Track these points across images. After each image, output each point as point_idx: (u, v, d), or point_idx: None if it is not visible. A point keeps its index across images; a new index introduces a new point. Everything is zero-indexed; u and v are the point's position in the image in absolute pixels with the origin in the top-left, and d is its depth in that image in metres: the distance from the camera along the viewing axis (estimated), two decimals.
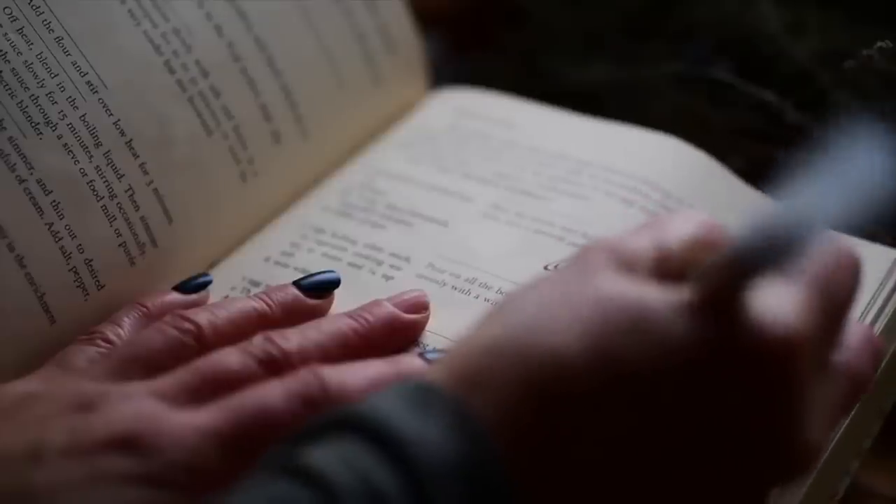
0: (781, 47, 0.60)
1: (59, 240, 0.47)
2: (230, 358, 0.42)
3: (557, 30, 0.67)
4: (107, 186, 0.49)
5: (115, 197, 0.49)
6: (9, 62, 0.47)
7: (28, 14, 0.48)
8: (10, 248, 0.46)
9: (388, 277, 0.51)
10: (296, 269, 0.51)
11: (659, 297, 0.35)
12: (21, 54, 0.48)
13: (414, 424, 0.34)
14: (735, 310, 0.35)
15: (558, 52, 0.66)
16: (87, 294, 0.48)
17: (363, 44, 0.59)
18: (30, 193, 0.47)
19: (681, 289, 0.36)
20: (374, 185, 0.56)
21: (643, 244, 0.38)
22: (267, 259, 0.53)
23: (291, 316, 0.47)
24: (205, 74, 0.52)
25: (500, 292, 0.49)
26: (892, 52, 0.55)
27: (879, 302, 0.49)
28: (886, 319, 0.49)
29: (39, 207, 0.47)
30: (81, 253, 0.48)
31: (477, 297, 0.49)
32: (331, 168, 0.57)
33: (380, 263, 0.51)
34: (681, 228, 0.39)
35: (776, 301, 0.35)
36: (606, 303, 0.36)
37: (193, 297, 0.49)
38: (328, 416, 0.35)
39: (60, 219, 0.47)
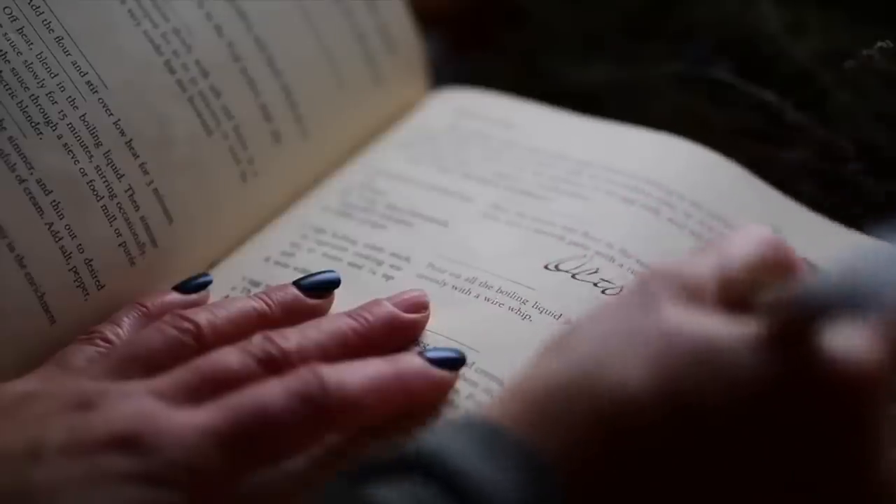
0: (781, 47, 0.60)
1: (59, 240, 0.47)
2: (229, 357, 0.42)
3: (557, 30, 0.66)
4: (107, 186, 0.49)
5: (115, 197, 0.49)
6: (9, 62, 0.47)
7: (28, 14, 0.48)
8: (11, 247, 0.46)
9: (388, 277, 0.51)
10: (296, 269, 0.51)
11: (725, 331, 0.35)
12: (21, 54, 0.48)
13: (486, 471, 0.34)
14: (806, 345, 0.34)
15: (558, 52, 0.66)
16: (87, 294, 0.48)
17: (363, 44, 0.59)
18: (30, 193, 0.47)
19: (748, 320, 0.36)
20: (375, 185, 0.56)
21: (706, 270, 0.38)
22: (267, 259, 0.53)
23: (291, 316, 0.46)
24: (205, 74, 0.52)
25: (501, 291, 0.49)
26: (892, 52, 0.55)
27: None
28: None
29: (39, 207, 0.47)
30: (81, 253, 0.48)
31: (477, 297, 0.49)
32: (331, 168, 0.57)
33: (380, 263, 0.51)
34: (743, 249, 0.39)
35: (847, 337, 0.34)
36: (672, 338, 0.35)
37: (193, 297, 0.49)
38: (394, 453, 0.35)
39: (60, 219, 0.47)
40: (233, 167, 0.53)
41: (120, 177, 0.49)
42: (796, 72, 0.59)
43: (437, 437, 0.35)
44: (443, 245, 0.52)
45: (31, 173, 0.47)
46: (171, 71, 0.51)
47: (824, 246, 0.52)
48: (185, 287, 0.49)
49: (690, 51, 0.62)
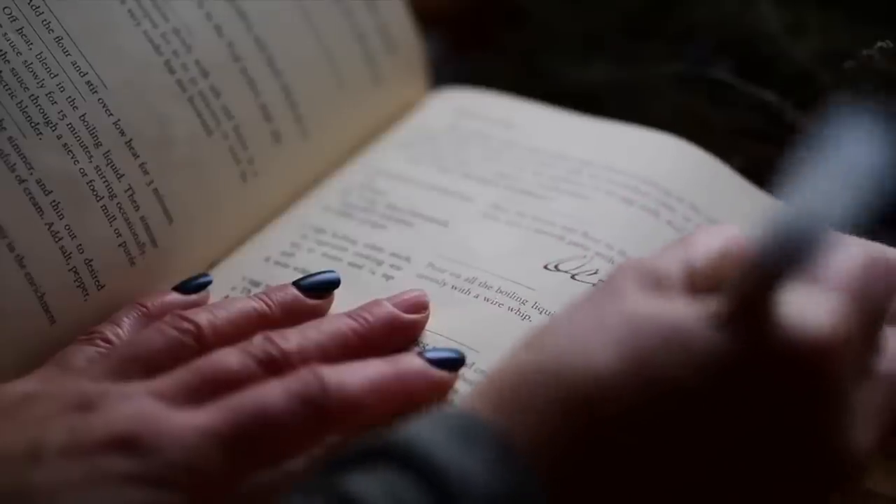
0: (781, 47, 0.60)
1: (59, 240, 0.47)
2: (230, 358, 0.42)
3: (557, 30, 0.66)
4: (106, 186, 0.49)
5: (115, 197, 0.49)
6: (8, 62, 0.47)
7: (28, 14, 0.48)
8: (10, 248, 0.46)
9: (388, 277, 0.51)
10: (296, 269, 0.51)
11: (689, 312, 0.36)
12: (21, 54, 0.48)
13: (458, 458, 0.34)
14: (765, 317, 0.35)
15: (558, 52, 0.66)
16: (87, 294, 0.48)
17: (363, 44, 0.59)
18: (29, 193, 0.47)
19: (710, 301, 0.36)
20: (375, 185, 0.56)
21: (671, 262, 0.39)
22: (267, 259, 0.52)
23: (291, 316, 0.46)
24: (205, 74, 0.52)
25: (501, 292, 0.49)
26: (892, 52, 0.54)
27: None
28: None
29: (39, 207, 0.47)
30: (81, 253, 0.48)
31: (477, 297, 0.49)
32: (331, 168, 0.57)
33: (380, 263, 0.51)
34: (708, 244, 0.40)
35: (808, 307, 0.35)
36: (638, 321, 0.36)
37: (193, 297, 0.49)
38: (369, 443, 0.35)
39: (60, 219, 0.47)
40: (233, 167, 0.53)
41: (120, 177, 0.49)
42: (796, 72, 0.59)
43: (412, 426, 0.36)
44: (443, 245, 0.52)
45: (31, 173, 0.47)
46: (171, 71, 0.51)
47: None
48: (185, 287, 0.49)
49: (690, 51, 0.62)
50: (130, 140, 0.49)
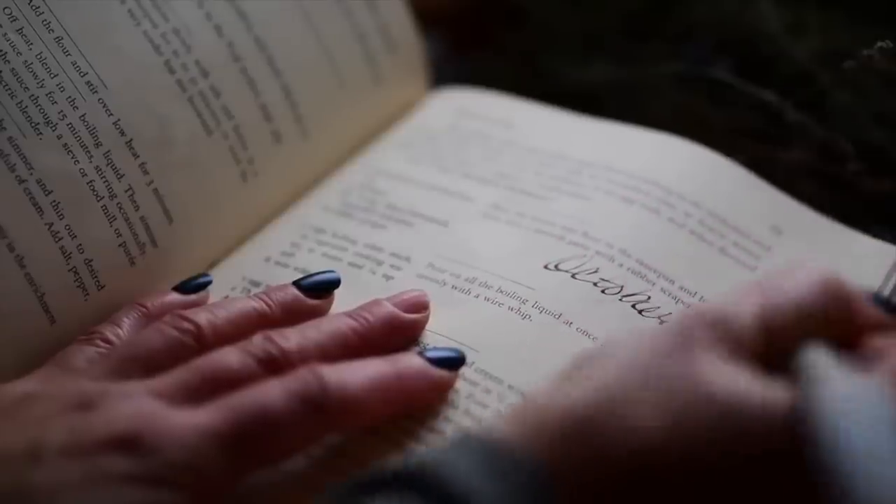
0: (781, 47, 0.60)
1: (59, 240, 0.47)
2: (229, 357, 0.42)
3: (557, 30, 0.66)
4: (107, 186, 0.49)
5: (115, 197, 0.49)
6: (8, 62, 0.47)
7: (28, 14, 0.48)
8: (10, 248, 0.46)
9: (388, 277, 0.51)
10: (296, 268, 0.51)
11: (758, 398, 0.34)
12: (21, 54, 0.48)
13: (487, 491, 0.33)
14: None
15: (558, 52, 0.66)
16: (87, 294, 0.48)
17: (363, 44, 0.59)
18: (29, 193, 0.47)
19: (784, 385, 0.35)
20: (375, 185, 0.56)
21: (749, 317, 0.36)
22: (267, 259, 0.52)
23: (291, 316, 0.46)
24: (205, 74, 0.52)
25: (501, 291, 0.49)
26: (892, 52, 0.54)
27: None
28: None
29: (39, 207, 0.47)
30: (81, 253, 0.48)
31: (477, 297, 0.49)
32: (331, 168, 0.57)
33: (380, 263, 0.51)
34: (796, 292, 0.37)
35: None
36: (703, 396, 0.34)
37: (193, 297, 0.49)
38: (393, 468, 0.35)
39: (60, 219, 0.47)
40: (233, 167, 0.53)
41: (120, 177, 0.49)
42: (796, 72, 0.59)
43: (437, 452, 0.35)
44: (443, 245, 0.52)
45: (31, 173, 0.47)
46: (171, 71, 0.51)
47: (825, 246, 0.52)
48: (184, 287, 0.49)
49: (690, 51, 0.62)
50: (130, 140, 0.49)
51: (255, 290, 0.51)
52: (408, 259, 0.51)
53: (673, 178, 0.54)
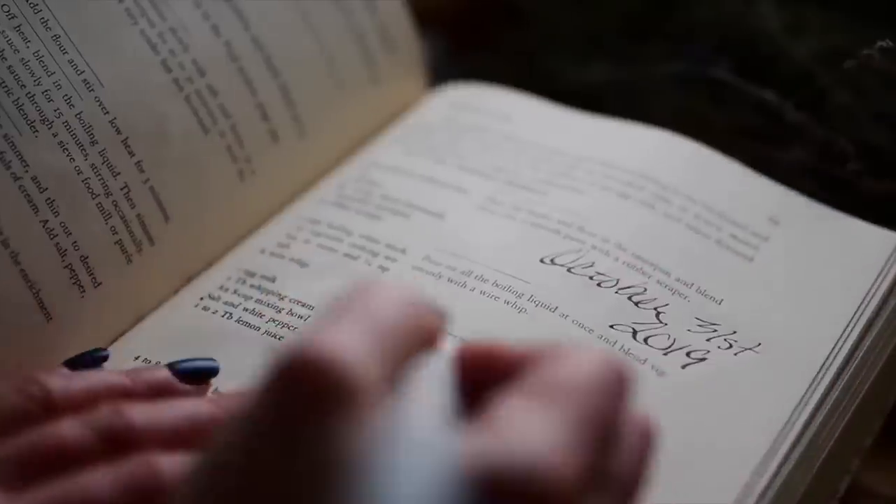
0: (781, 47, 0.60)
1: (55, 237, 0.47)
2: (67, 431, 0.38)
3: (557, 30, 0.67)
4: (102, 184, 0.49)
5: (111, 194, 0.49)
6: (5, 59, 0.47)
7: (26, 12, 0.48)
8: (5, 244, 0.46)
9: (383, 269, 0.50)
10: (291, 259, 0.51)
11: None
12: (18, 52, 0.48)
13: None
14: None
15: (558, 52, 0.66)
16: (84, 291, 0.48)
17: (362, 43, 0.59)
18: (25, 191, 0.46)
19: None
20: (370, 177, 0.56)
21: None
22: (262, 251, 0.52)
23: (157, 398, 0.42)
24: (201, 73, 0.52)
25: (497, 285, 0.49)
26: (892, 52, 0.54)
27: (882, 290, 0.49)
28: (889, 311, 0.49)
29: (34, 205, 0.47)
30: (77, 250, 0.48)
31: (473, 290, 0.49)
32: (328, 168, 0.57)
33: (375, 255, 0.51)
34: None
35: (529, 443, 0.29)
36: None
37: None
38: None
39: (56, 216, 0.47)
40: (230, 165, 0.53)
41: (116, 174, 0.49)
42: (796, 72, 0.59)
43: None
44: (439, 237, 0.52)
45: (27, 171, 0.47)
46: (168, 69, 0.51)
47: (824, 235, 0.52)
48: (76, 363, 0.46)
49: (690, 51, 0.62)
50: (127, 138, 0.49)
51: (250, 282, 0.50)
52: (403, 251, 0.51)
53: (669, 173, 0.54)
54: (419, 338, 0.33)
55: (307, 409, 0.29)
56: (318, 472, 0.28)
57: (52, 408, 0.40)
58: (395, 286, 0.33)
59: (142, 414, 0.39)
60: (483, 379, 0.33)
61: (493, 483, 0.28)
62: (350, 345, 0.30)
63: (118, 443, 0.38)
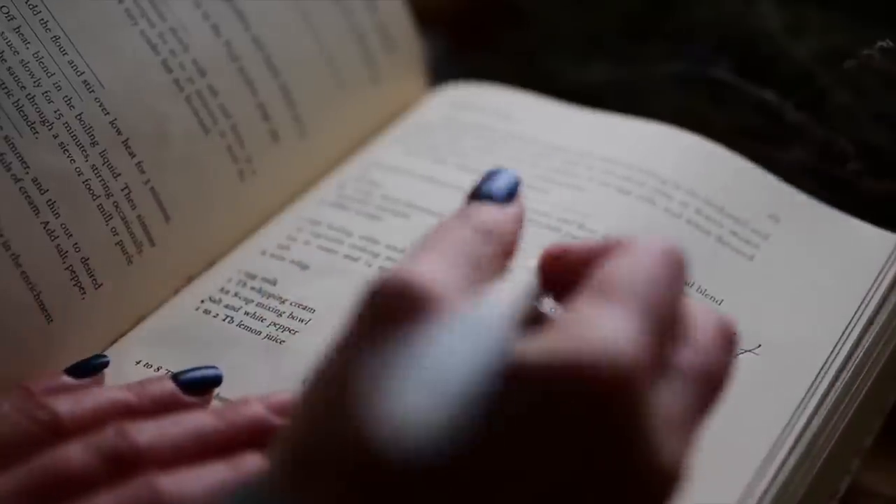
0: (781, 47, 0.60)
1: (55, 238, 0.47)
2: (72, 456, 0.39)
3: (557, 30, 0.67)
4: (103, 185, 0.49)
5: (112, 196, 0.49)
6: (5, 61, 0.47)
7: (25, 13, 0.48)
8: (6, 246, 0.46)
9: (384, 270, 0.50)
10: (292, 261, 0.51)
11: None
12: (18, 53, 0.48)
13: None
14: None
15: (558, 52, 0.66)
16: (85, 293, 0.48)
17: (362, 43, 0.59)
18: (25, 192, 0.46)
19: None
20: (370, 177, 0.56)
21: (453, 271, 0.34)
22: (263, 252, 0.52)
23: (162, 411, 0.43)
24: (202, 73, 0.52)
25: None
26: (892, 52, 0.54)
27: (882, 289, 0.49)
28: (888, 311, 0.49)
29: (35, 206, 0.47)
30: (78, 252, 0.48)
31: None
32: (329, 167, 0.57)
33: (376, 256, 0.51)
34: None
35: (601, 333, 0.32)
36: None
37: (87, 381, 0.46)
38: None
39: (56, 217, 0.47)
40: (230, 166, 0.53)
41: (116, 175, 0.49)
42: (796, 72, 0.59)
43: None
44: None
45: (27, 172, 0.47)
46: (168, 70, 0.51)
47: (824, 235, 0.52)
48: (77, 371, 0.46)
49: (690, 51, 0.62)
50: (127, 139, 0.49)
51: (251, 284, 0.50)
52: (404, 252, 0.51)
53: (668, 168, 0.54)
54: (498, 253, 0.37)
55: (395, 313, 0.32)
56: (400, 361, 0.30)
57: (59, 431, 0.40)
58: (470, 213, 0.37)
59: (146, 433, 0.40)
60: (564, 281, 0.37)
61: (568, 371, 0.31)
62: (428, 266, 0.33)
63: (122, 465, 0.39)
